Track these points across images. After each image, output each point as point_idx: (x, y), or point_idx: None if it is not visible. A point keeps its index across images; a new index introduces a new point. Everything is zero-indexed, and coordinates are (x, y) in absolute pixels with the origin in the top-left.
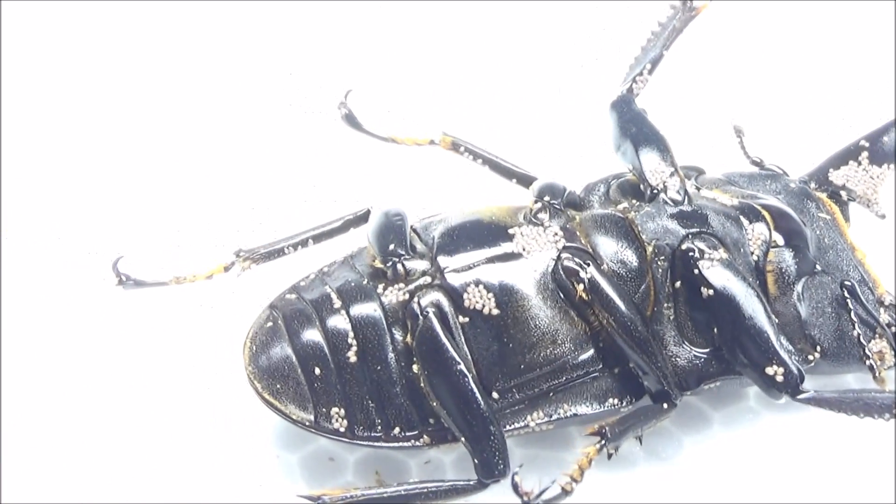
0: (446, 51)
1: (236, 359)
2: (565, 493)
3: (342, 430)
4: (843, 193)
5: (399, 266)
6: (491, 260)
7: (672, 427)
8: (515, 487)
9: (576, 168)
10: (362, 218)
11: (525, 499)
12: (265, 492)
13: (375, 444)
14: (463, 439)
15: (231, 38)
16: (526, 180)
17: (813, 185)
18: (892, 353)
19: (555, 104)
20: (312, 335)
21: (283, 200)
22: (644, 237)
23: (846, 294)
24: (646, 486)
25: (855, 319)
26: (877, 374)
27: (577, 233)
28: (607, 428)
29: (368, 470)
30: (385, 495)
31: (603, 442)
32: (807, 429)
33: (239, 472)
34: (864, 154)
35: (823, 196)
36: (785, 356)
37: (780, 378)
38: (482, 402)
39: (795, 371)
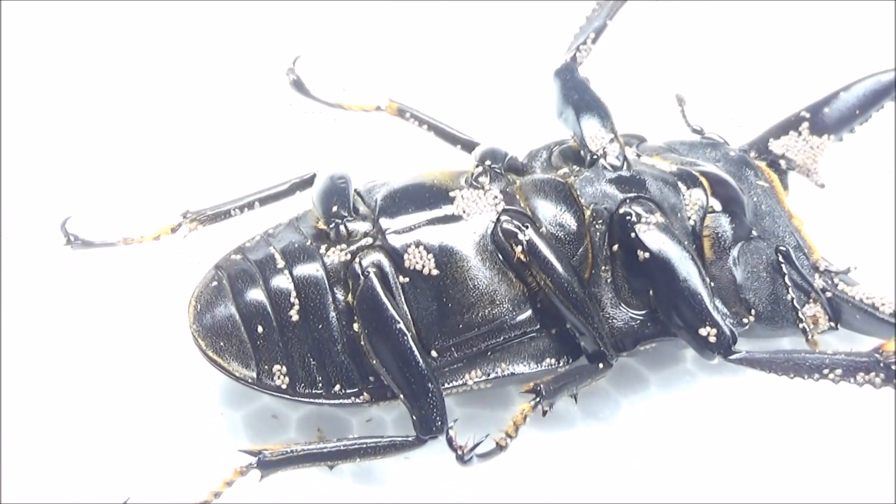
0: (399, 20)
1: (182, 318)
2: (500, 448)
3: (284, 387)
4: (782, 162)
5: (342, 227)
6: (431, 222)
7: (610, 388)
8: (450, 442)
9: (527, 135)
10: (308, 181)
11: (459, 453)
12: (208, 448)
13: (316, 401)
14: (402, 396)
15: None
16: (470, 146)
17: (753, 153)
18: (826, 317)
19: (506, 73)
20: (256, 294)
21: (233, 165)
22: (583, 201)
23: (781, 259)
24: (583, 446)
25: (789, 284)
26: (809, 338)
27: (517, 196)
28: (542, 386)
29: (311, 427)
30: (324, 450)
31: (538, 399)
32: (741, 391)
33: (183, 429)
34: (805, 124)
35: (763, 164)
36: (718, 318)
37: (712, 339)
38: (420, 361)
39: (728, 332)
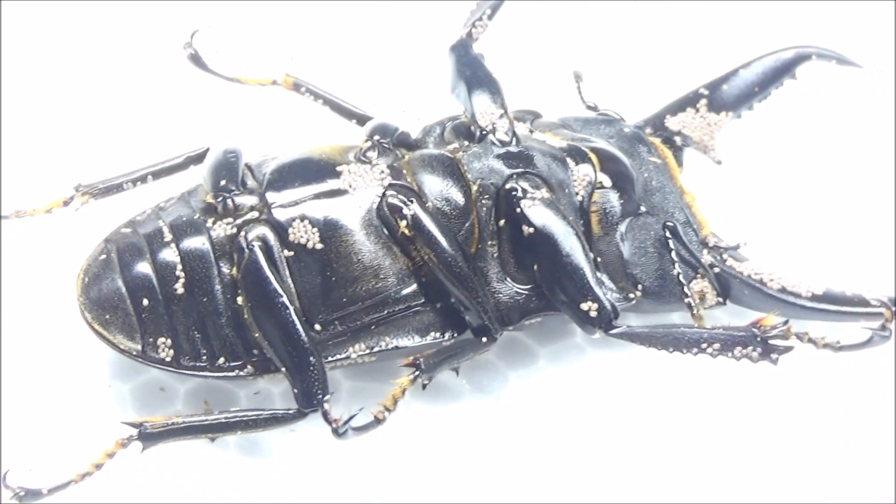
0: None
1: (70, 290)
2: (378, 421)
3: (168, 359)
4: (677, 139)
5: (229, 201)
6: (317, 196)
7: (498, 362)
8: (325, 415)
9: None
10: (202, 155)
11: (334, 426)
12: (96, 420)
13: (200, 373)
14: (284, 369)
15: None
16: (364, 120)
17: (648, 130)
18: (714, 292)
19: (416, 46)
20: (142, 267)
21: (134, 138)
22: (469, 176)
23: (668, 235)
24: (470, 419)
25: (675, 259)
26: (694, 312)
27: (404, 171)
28: (422, 359)
29: (198, 400)
30: (206, 423)
31: (417, 373)
32: (629, 365)
33: (70, 401)
34: (703, 101)
35: (657, 141)
36: (599, 292)
37: (593, 313)
38: (302, 334)
39: (609, 307)
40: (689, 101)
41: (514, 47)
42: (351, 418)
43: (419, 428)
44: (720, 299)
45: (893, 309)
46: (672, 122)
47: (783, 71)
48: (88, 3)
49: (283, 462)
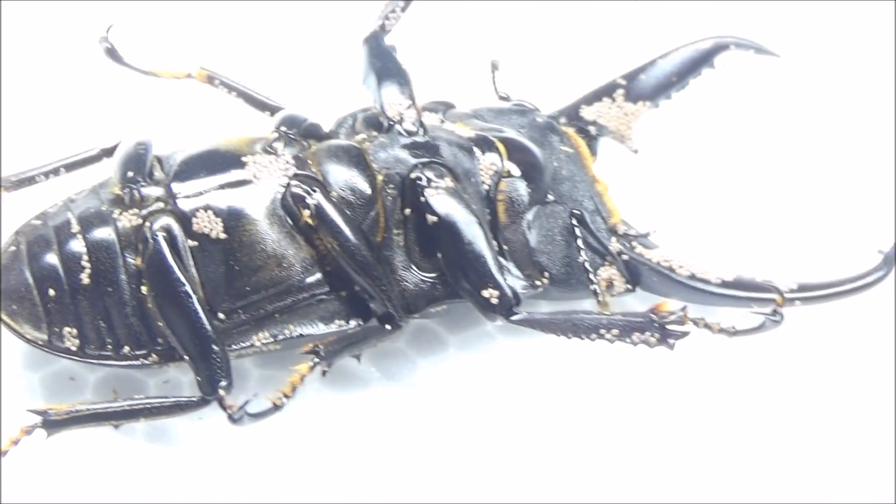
0: None
1: None
2: (276, 407)
3: (74, 349)
4: (592, 129)
5: (135, 192)
6: (222, 186)
7: (408, 349)
8: (220, 401)
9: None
10: (114, 149)
11: (229, 412)
12: (5, 408)
13: (106, 362)
14: (187, 357)
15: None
16: (277, 112)
17: (563, 120)
18: (623, 279)
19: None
20: (50, 258)
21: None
22: (375, 166)
23: (575, 222)
24: (378, 407)
25: (582, 247)
26: (600, 299)
27: (310, 161)
28: (321, 347)
29: (107, 389)
30: (109, 410)
31: (316, 360)
32: (540, 353)
33: None
34: (620, 91)
35: (570, 130)
36: (500, 280)
37: (494, 300)
38: (205, 322)
39: (510, 294)
40: (606, 91)
41: (435, 40)
42: (246, 404)
43: (327, 415)
44: (629, 286)
45: (785, 295)
46: (587, 112)
47: (701, 61)
48: None
49: (190, 449)
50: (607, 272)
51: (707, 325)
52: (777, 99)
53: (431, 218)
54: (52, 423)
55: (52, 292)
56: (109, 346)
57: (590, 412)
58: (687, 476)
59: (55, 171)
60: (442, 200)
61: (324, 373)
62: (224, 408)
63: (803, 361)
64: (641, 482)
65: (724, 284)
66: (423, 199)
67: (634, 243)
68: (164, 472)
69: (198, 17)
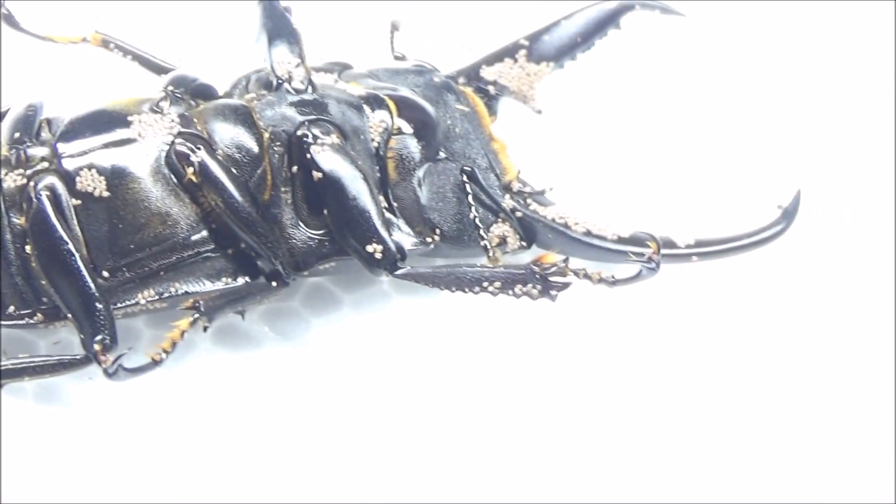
0: None
1: None
2: (154, 363)
3: None
4: (491, 88)
5: (21, 153)
6: (106, 146)
7: (301, 308)
8: (95, 356)
9: None
10: (5, 114)
11: (104, 367)
12: None
13: None
14: (70, 316)
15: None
16: None
17: (462, 80)
18: (517, 236)
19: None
20: None
21: None
22: (262, 124)
23: (465, 178)
24: (271, 366)
25: (474, 203)
26: (490, 255)
27: (195, 120)
28: (201, 302)
29: None
30: None
31: (196, 315)
32: (435, 312)
33: None
34: (522, 52)
35: (468, 90)
36: (384, 235)
37: (378, 255)
38: (88, 280)
39: (394, 248)
40: (508, 52)
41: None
42: (120, 357)
43: (219, 374)
44: (523, 243)
45: (659, 243)
46: (488, 72)
47: (606, 21)
48: None
49: (81, 408)
50: (500, 229)
51: (587, 276)
52: (687, 59)
53: (317, 174)
54: None
55: None
56: None
57: (482, 371)
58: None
59: None
60: (327, 157)
61: (205, 328)
62: (98, 361)
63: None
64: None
65: (621, 241)
66: (308, 155)
67: (529, 200)
68: (54, 433)
69: None
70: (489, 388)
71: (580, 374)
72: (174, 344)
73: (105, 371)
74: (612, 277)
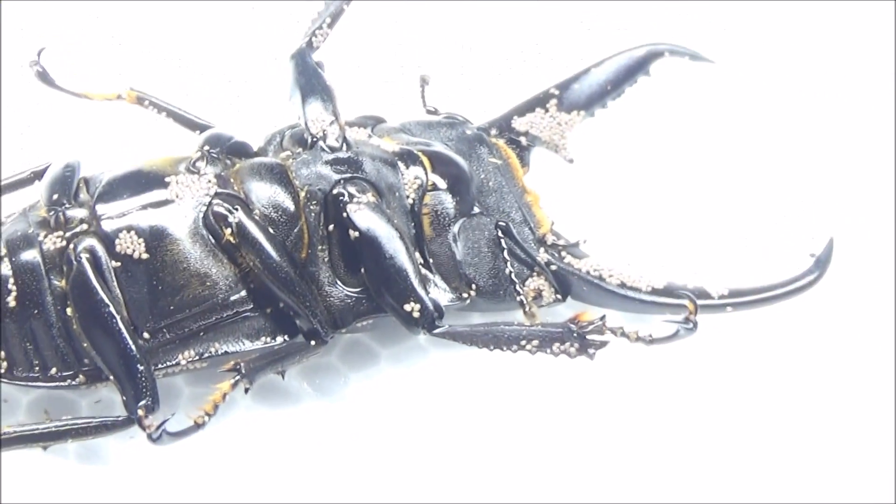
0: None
1: None
2: (197, 426)
3: (2, 371)
4: (523, 139)
5: (60, 215)
6: (144, 207)
7: (339, 364)
8: (139, 421)
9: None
10: (44, 171)
11: (147, 432)
12: None
13: (34, 384)
14: (112, 377)
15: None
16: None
17: (494, 131)
18: (552, 289)
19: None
20: None
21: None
22: (298, 183)
23: (500, 234)
24: (310, 422)
25: (508, 258)
26: (526, 310)
27: (232, 180)
28: (242, 364)
29: (40, 410)
30: (36, 433)
31: (237, 377)
32: (472, 364)
33: None
34: (553, 101)
35: (500, 142)
36: (421, 294)
37: (416, 314)
38: (129, 342)
39: (431, 308)
40: (539, 102)
41: (365, 51)
42: (164, 423)
43: (259, 432)
44: (558, 296)
45: (696, 303)
46: (519, 123)
47: (636, 69)
48: None
49: (122, 467)
50: (536, 282)
51: (625, 334)
52: (718, 107)
53: (353, 233)
54: None
55: None
56: (37, 368)
57: (520, 422)
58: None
59: None
60: (363, 215)
61: (246, 390)
62: (142, 427)
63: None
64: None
65: (655, 292)
66: (344, 214)
67: (564, 253)
68: (96, 493)
69: (132, 37)
70: (526, 442)
71: (618, 429)
72: (216, 406)
73: (149, 436)
74: (650, 336)
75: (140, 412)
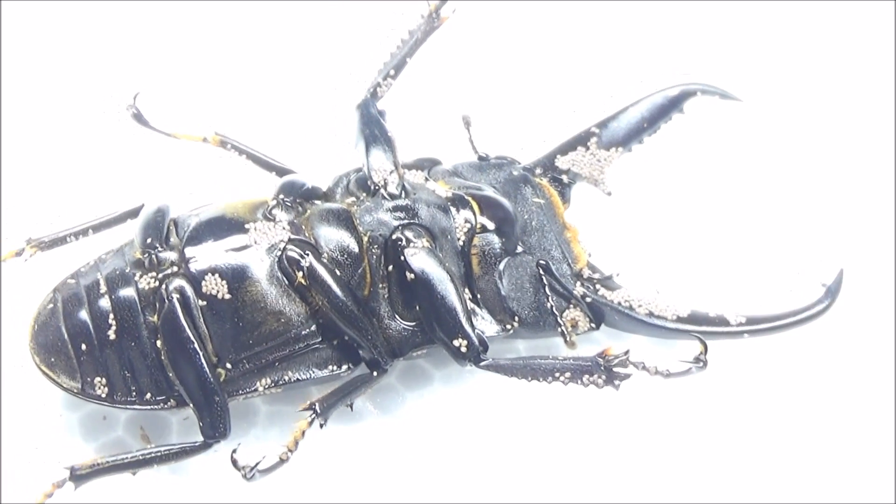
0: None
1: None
2: (282, 461)
3: (104, 395)
4: (565, 177)
5: (153, 257)
6: (226, 251)
7: (398, 385)
8: (234, 463)
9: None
10: (137, 211)
11: (242, 472)
12: (49, 444)
13: (131, 406)
14: (192, 405)
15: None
16: (284, 173)
17: (539, 170)
18: (587, 319)
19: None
20: (82, 316)
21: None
22: (361, 229)
23: (541, 271)
24: (372, 437)
25: (549, 293)
26: (567, 339)
27: (304, 227)
28: (317, 403)
29: (135, 426)
30: (126, 461)
31: (313, 416)
32: (513, 387)
33: (27, 430)
34: (594, 139)
35: (544, 181)
36: (469, 331)
37: (464, 349)
38: (209, 376)
39: (477, 344)
40: (580, 140)
41: (430, 94)
42: (257, 465)
43: (327, 448)
44: (593, 325)
45: (706, 345)
46: (562, 161)
47: (670, 107)
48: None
49: (197, 478)
50: (572, 314)
51: (645, 368)
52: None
53: (410, 275)
54: (79, 477)
55: (83, 346)
56: (134, 393)
57: (556, 440)
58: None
59: (84, 232)
60: (419, 259)
61: (321, 426)
62: (238, 468)
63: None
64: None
65: (679, 320)
66: (402, 258)
67: (598, 286)
68: (181, 497)
69: (212, 81)
70: (565, 454)
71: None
72: (297, 443)
73: (244, 476)
74: (667, 371)
75: (235, 455)
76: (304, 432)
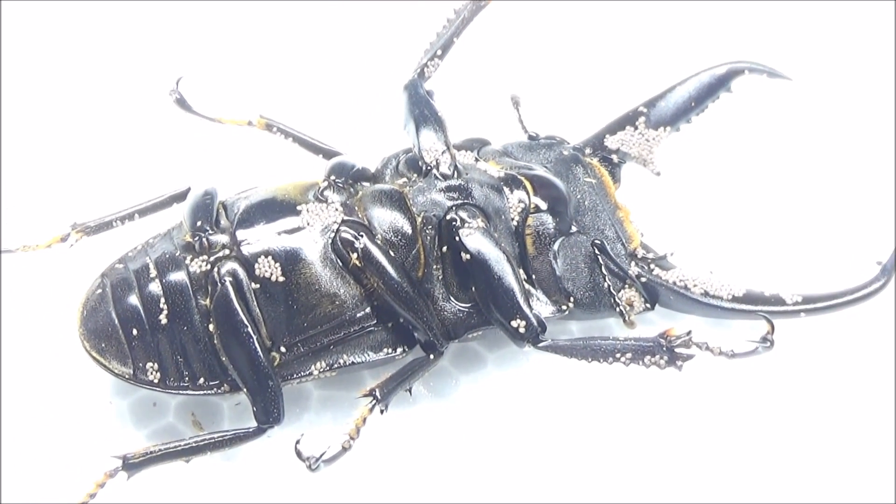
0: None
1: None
2: (345, 449)
3: (156, 381)
4: (615, 157)
5: (204, 241)
6: (279, 234)
7: (451, 368)
8: (299, 454)
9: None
10: (184, 194)
11: (307, 463)
12: (100, 432)
13: (184, 392)
14: (245, 389)
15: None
16: (330, 155)
17: (588, 150)
18: (642, 299)
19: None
20: (132, 300)
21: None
22: (414, 210)
23: (596, 251)
24: (426, 420)
25: (605, 273)
26: (625, 319)
27: (356, 208)
28: (377, 389)
29: (186, 412)
30: (179, 448)
31: (373, 402)
32: (567, 368)
33: (78, 417)
34: (642, 119)
35: (595, 161)
36: (527, 311)
37: (522, 329)
38: (262, 360)
39: (535, 324)
40: (629, 120)
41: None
42: (321, 455)
43: (382, 431)
44: (648, 305)
45: (773, 325)
46: (611, 141)
47: (718, 86)
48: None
49: (261, 466)
50: (628, 294)
51: (709, 349)
52: (780, 114)
53: (465, 256)
54: (131, 465)
55: (134, 332)
56: (187, 378)
57: (608, 423)
58: (685, 477)
59: (130, 217)
60: (474, 239)
61: (382, 412)
62: (303, 460)
63: (804, 362)
64: (652, 484)
65: (735, 300)
66: (457, 238)
67: (652, 266)
68: (242, 485)
69: (257, 65)
70: (619, 440)
71: (693, 419)
72: (359, 430)
73: (309, 467)
74: (732, 351)
75: (299, 447)
76: (365, 419)
